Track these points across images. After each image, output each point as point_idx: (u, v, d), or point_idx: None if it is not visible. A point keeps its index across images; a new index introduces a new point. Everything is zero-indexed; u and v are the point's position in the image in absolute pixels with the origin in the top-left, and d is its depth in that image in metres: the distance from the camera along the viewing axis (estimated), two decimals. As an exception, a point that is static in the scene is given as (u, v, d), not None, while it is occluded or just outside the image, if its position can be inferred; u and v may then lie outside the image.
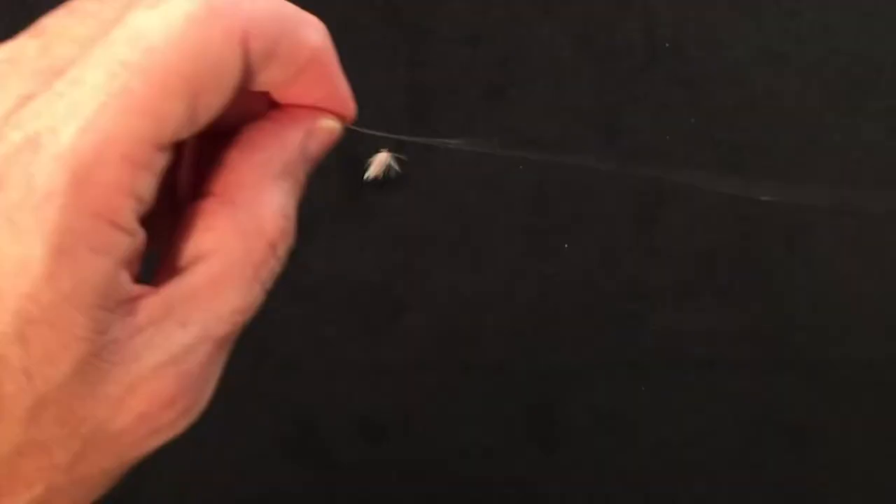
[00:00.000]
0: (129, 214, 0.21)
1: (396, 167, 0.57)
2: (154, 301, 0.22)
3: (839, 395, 0.57)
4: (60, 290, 0.20)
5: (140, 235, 0.22)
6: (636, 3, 0.60)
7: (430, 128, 0.59)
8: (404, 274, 0.58)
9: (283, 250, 0.25)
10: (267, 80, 0.24)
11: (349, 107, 0.27)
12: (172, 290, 0.23)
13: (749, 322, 0.57)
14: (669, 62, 0.59)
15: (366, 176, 0.57)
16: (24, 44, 0.23)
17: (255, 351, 0.56)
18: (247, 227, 0.24)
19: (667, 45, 0.60)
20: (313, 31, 0.25)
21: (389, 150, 0.57)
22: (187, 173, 0.26)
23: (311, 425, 0.57)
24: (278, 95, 0.26)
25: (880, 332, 0.58)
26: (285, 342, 0.57)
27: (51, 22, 0.23)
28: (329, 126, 0.27)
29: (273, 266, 0.24)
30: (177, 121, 0.21)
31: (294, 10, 0.24)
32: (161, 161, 0.22)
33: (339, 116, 0.27)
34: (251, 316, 0.24)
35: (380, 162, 0.57)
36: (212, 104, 0.22)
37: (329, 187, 0.58)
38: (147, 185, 0.21)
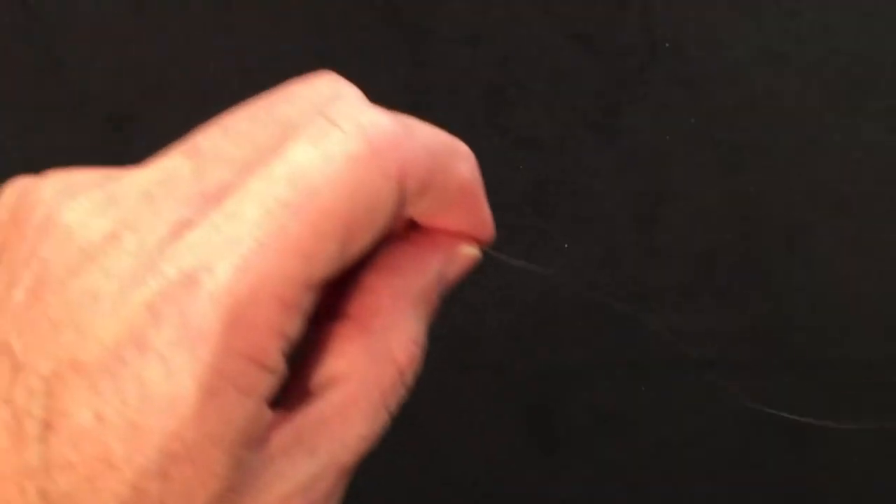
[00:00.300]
0: (276, 355, 0.21)
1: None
2: (285, 430, 0.22)
3: (839, 395, 0.57)
4: (206, 430, 0.20)
5: (284, 371, 0.22)
6: (636, 3, 0.60)
7: (430, 128, 0.59)
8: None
9: (410, 376, 0.25)
10: (417, 211, 0.24)
11: (489, 233, 0.27)
12: (302, 417, 0.22)
13: (749, 322, 0.57)
14: (669, 62, 0.59)
15: None
16: (178, 165, 0.22)
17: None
18: (379, 355, 0.24)
19: (667, 45, 0.60)
20: (464, 164, 0.25)
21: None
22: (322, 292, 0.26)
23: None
24: (423, 220, 0.25)
25: (880, 333, 0.58)
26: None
27: (205, 142, 0.23)
28: (469, 253, 0.26)
29: (401, 392, 0.24)
30: (329, 260, 0.21)
31: (448, 141, 0.25)
32: (310, 300, 0.21)
33: (479, 241, 0.27)
34: (376, 442, 0.24)
35: None
36: (364, 241, 0.22)
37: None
38: (296, 325, 0.21)
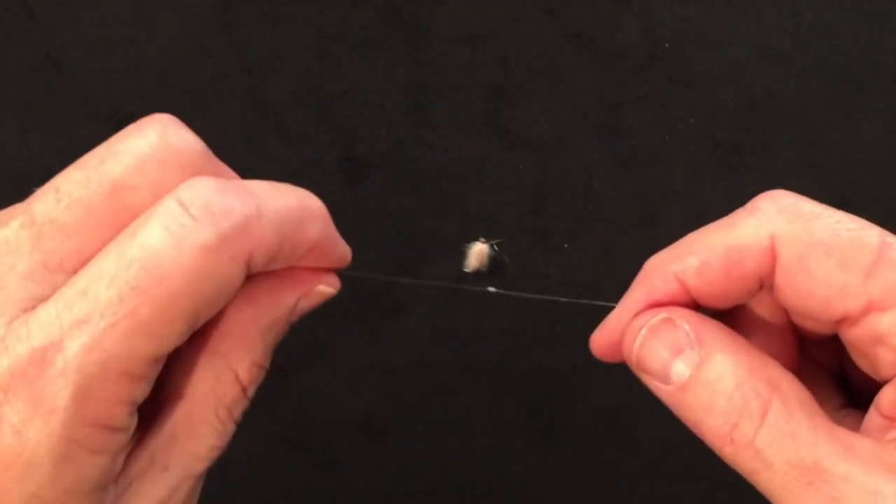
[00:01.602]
0: (125, 417, 0.23)
1: (496, 255, 0.54)
2: (141, 454, 0.24)
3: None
4: (63, 487, 0.22)
5: (135, 422, 0.23)
6: (636, 3, 0.60)
7: (429, 128, 0.59)
8: (404, 274, 0.58)
9: (253, 391, 0.26)
10: (273, 268, 0.26)
11: (346, 261, 0.29)
12: (154, 439, 0.24)
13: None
14: (669, 62, 0.59)
15: (464, 267, 0.54)
16: (16, 236, 0.24)
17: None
18: (223, 376, 0.25)
19: (667, 45, 0.60)
20: (314, 226, 0.26)
21: (485, 240, 0.54)
22: None
23: (311, 425, 0.57)
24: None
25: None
26: (285, 342, 0.57)
27: (39, 208, 0.24)
28: (324, 291, 0.29)
29: (245, 405, 0.26)
30: (177, 337, 0.23)
31: (296, 209, 0.26)
32: (157, 369, 0.23)
33: (338, 267, 0.29)
34: (226, 447, 0.26)
35: (478, 253, 0.54)
36: (210, 314, 0.24)
37: (328, 187, 0.58)
38: (143, 391, 0.23)
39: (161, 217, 0.23)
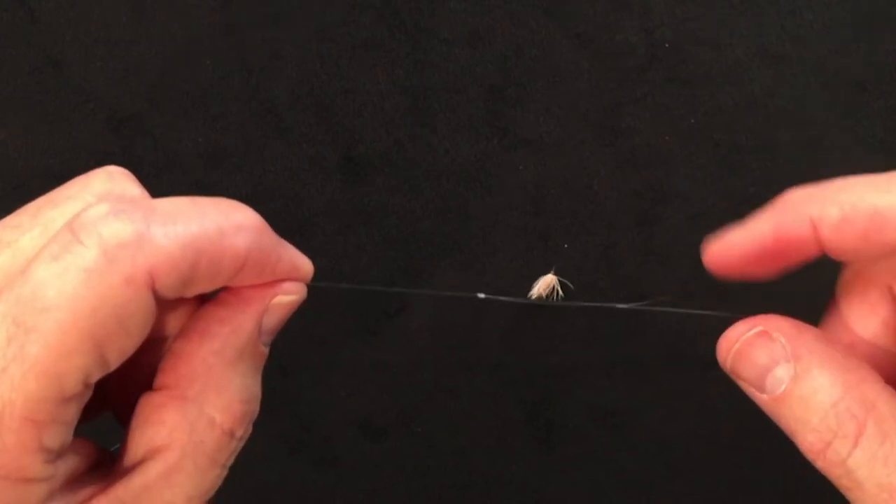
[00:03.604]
0: (39, 466, 0.21)
1: (560, 290, 0.55)
2: (102, 501, 0.22)
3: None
4: None
5: (61, 470, 0.22)
6: (636, 3, 0.60)
7: (429, 128, 0.59)
8: (404, 274, 0.58)
9: (242, 431, 0.25)
10: (196, 292, 0.23)
11: (303, 272, 0.26)
12: (122, 488, 0.23)
13: (749, 322, 0.57)
14: (669, 62, 0.59)
15: (530, 294, 0.55)
16: None
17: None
18: (198, 422, 0.24)
19: (667, 45, 0.60)
20: (239, 239, 0.24)
21: (555, 272, 0.55)
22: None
23: (311, 425, 0.57)
24: (228, 286, 0.25)
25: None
26: (285, 342, 0.57)
27: None
28: (285, 301, 0.26)
29: (233, 448, 0.25)
30: (81, 374, 0.21)
31: (212, 222, 0.23)
32: (70, 410, 0.21)
33: (298, 279, 0.26)
34: (210, 494, 0.24)
35: (545, 283, 0.55)
36: (123, 347, 0.22)
37: (328, 187, 0.58)
38: (57, 435, 0.21)
39: (50, 246, 0.21)
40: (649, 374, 0.57)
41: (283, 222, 0.58)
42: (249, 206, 0.25)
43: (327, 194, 0.58)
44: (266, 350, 0.26)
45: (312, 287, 0.27)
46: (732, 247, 0.27)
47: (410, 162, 0.58)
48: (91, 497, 0.22)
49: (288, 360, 0.57)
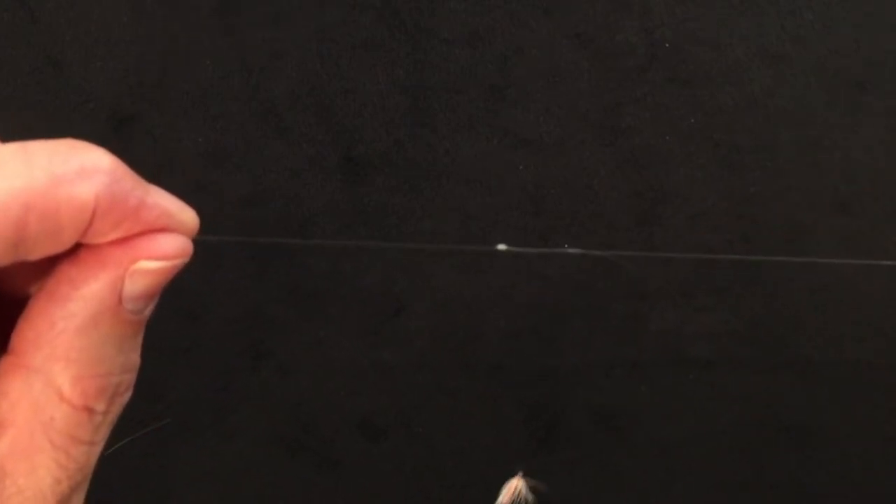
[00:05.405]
0: None
1: (529, 494, 0.51)
2: None
3: (839, 395, 0.57)
4: None
5: None
6: (636, 3, 0.60)
7: (429, 128, 0.59)
8: (404, 274, 0.58)
9: (104, 406, 0.21)
10: (41, 254, 0.20)
11: (179, 220, 0.22)
12: None
13: (749, 322, 0.57)
14: (669, 62, 0.59)
15: (497, 502, 0.52)
16: None
17: (254, 351, 0.56)
18: (42, 395, 0.21)
19: (667, 45, 0.60)
20: (79, 186, 0.20)
21: (522, 475, 0.51)
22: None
23: (311, 425, 0.57)
24: (86, 241, 0.21)
25: (879, 333, 0.58)
26: (285, 342, 0.57)
27: None
28: (149, 267, 0.22)
29: (97, 423, 0.21)
30: None
31: (41, 170, 0.20)
32: None
33: (181, 232, 0.22)
34: (91, 471, 0.21)
35: (512, 489, 0.52)
36: None
37: (328, 187, 0.58)
38: None
39: None
40: (649, 375, 0.57)
41: (283, 222, 0.58)
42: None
43: (327, 194, 0.58)
44: (138, 318, 0.22)
45: (200, 241, 0.22)
46: None
47: (410, 162, 0.58)
48: None
49: (288, 360, 0.57)
